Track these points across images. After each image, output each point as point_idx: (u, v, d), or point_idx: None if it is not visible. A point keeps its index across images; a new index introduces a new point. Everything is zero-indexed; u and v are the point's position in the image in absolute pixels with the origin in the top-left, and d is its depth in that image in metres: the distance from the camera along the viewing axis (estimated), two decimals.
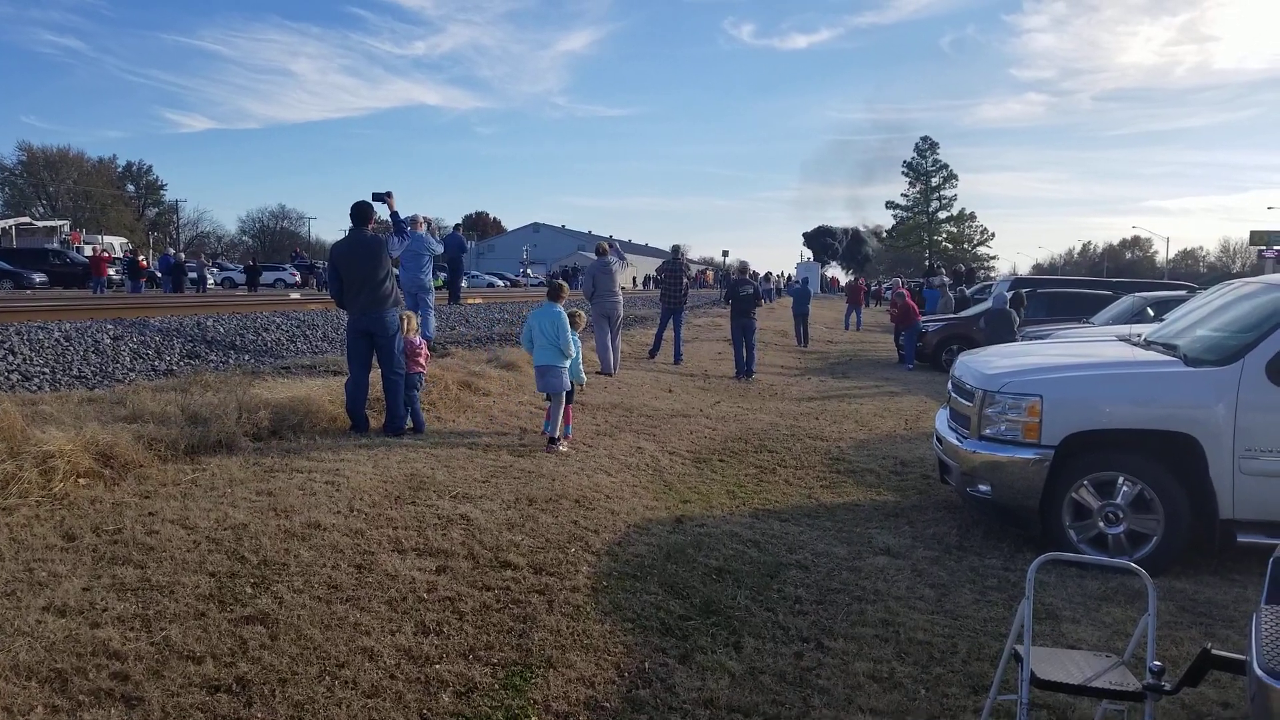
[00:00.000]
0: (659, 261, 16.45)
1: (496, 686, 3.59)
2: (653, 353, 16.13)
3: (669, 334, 16.12)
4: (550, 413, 7.86)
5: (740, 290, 15.49)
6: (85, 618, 3.71)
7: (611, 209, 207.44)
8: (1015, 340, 13.28)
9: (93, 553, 4.37)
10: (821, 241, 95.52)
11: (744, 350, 15.15)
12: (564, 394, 7.87)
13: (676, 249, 16.70)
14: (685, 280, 16.49)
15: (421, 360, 8.13)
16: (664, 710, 3.58)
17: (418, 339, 8.17)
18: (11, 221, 52.51)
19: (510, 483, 6.33)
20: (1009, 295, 16.00)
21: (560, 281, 8.60)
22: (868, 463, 8.57)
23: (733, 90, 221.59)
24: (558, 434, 7.78)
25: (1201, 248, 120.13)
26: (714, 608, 4.62)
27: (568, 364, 7.93)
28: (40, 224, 54.75)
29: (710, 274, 76.81)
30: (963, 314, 20.48)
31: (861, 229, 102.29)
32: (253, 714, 3.16)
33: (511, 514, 5.60)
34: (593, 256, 14.64)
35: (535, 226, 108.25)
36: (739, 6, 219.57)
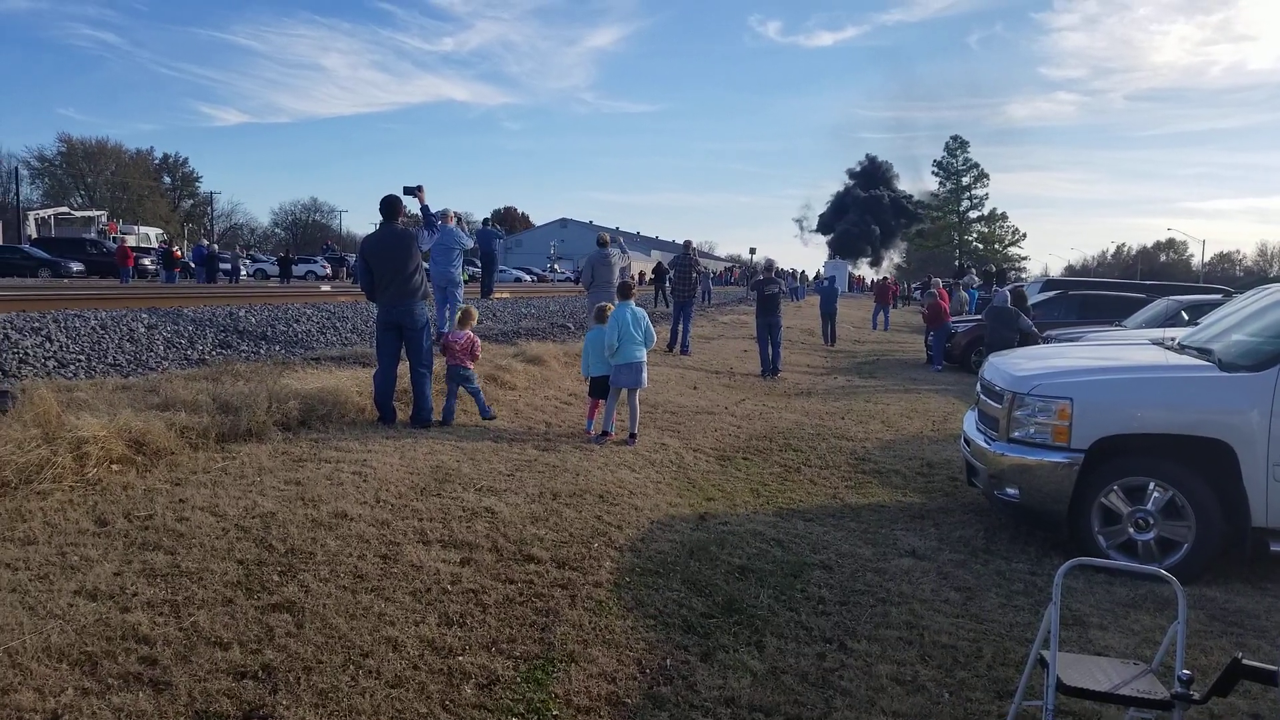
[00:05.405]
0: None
1: (518, 679, 3.61)
2: (670, 346, 16.28)
3: (679, 326, 16.42)
4: (606, 408, 8.23)
5: (765, 289, 15.48)
6: (116, 602, 3.77)
7: (638, 204, 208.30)
8: (1015, 338, 13.20)
9: (124, 538, 4.44)
10: (872, 176, 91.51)
11: (769, 348, 15.11)
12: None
13: (687, 244, 17.03)
14: (695, 275, 16.90)
15: (474, 354, 8.33)
16: (685, 708, 3.58)
17: (464, 334, 8.30)
18: (50, 211, 53.37)
19: (535, 476, 6.35)
20: (1009, 293, 15.87)
21: (629, 280, 8.96)
22: (894, 464, 8.51)
23: (758, 87, 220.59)
24: (611, 427, 8.18)
25: (1238, 251, 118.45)
26: (736, 606, 4.61)
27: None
28: (78, 214, 55.52)
29: (737, 271, 76.47)
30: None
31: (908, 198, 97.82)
32: (278, 701, 3.20)
33: (535, 508, 5.62)
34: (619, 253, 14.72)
35: (563, 222, 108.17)
36: (765, 4, 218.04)
